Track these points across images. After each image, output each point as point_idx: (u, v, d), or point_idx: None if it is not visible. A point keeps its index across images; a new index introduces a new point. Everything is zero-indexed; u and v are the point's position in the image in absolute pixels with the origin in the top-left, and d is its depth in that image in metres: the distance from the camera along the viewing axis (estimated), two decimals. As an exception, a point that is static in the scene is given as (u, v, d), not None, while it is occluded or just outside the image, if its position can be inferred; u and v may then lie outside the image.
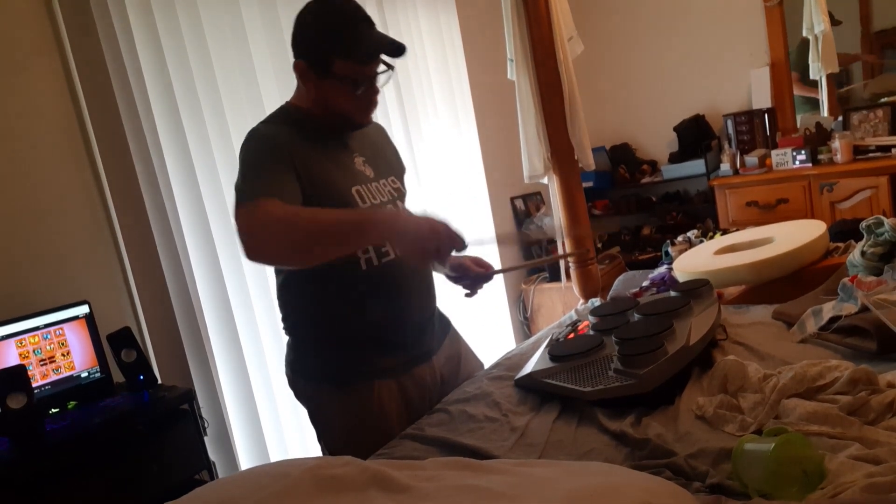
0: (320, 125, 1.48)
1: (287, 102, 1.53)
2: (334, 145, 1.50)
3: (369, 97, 1.46)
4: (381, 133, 1.69)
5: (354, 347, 1.50)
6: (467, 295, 1.59)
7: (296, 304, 1.54)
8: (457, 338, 1.76)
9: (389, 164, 1.62)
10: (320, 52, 1.40)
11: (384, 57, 1.42)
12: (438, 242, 1.24)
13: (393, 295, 1.50)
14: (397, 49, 1.41)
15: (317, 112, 1.48)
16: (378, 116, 1.59)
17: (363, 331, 1.50)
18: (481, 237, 1.46)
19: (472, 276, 1.57)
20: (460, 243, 1.28)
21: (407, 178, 1.69)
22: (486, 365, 1.83)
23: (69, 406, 1.83)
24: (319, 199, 1.38)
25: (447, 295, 1.75)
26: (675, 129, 3.98)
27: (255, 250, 1.27)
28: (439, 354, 1.65)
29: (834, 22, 3.53)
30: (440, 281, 1.68)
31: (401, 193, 1.60)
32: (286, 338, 1.61)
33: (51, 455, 1.60)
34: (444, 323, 1.71)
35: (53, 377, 1.86)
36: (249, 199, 1.28)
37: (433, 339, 1.63)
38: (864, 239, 1.77)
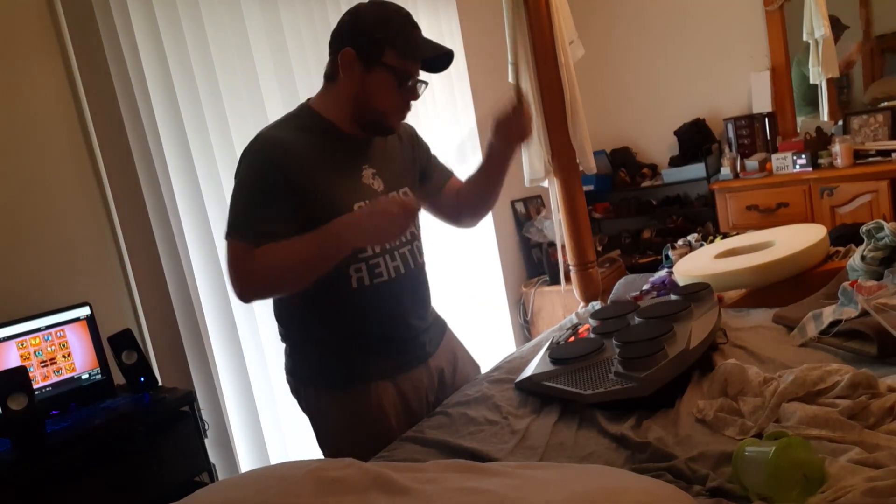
0: (339, 134, 1.48)
1: (307, 104, 1.51)
2: (344, 157, 1.49)
3: (406, 100, 1.47)
4: (400, 136, 1.64)
5: (350, 351, 1.51)
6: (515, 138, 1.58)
7: (290, 315, 1.55)
8: (453, 339, 1.76)
9: (402, 175, 1.59)
10: (374, 40, 1.40)
11: (423, 74, 1.47)
12: (393, 212, 1.31)
13: (385, 311, 1.50)
14: (446, 55, 1.46)
15: (341, 114, 1.47)
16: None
17: (357, 337, 1.51)
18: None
19: (512, 125, 1.56)
20: (412, 203, 1.35)
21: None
22: (483, 367, 1.83)
23: (70, 408, 1.83)
24: (320, 215, 1.38)
25: (447, 296, 1.75)
26: (676, 132, 3.98)
27: (248, 298, 1.43)
28: (436, 356, 1.65)
29: (841, 27, 3.53)
30: (435, 285, 1.69)
31: None
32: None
33: (51, 457, 1.60)
34: (440, 325, 1.72)
35: (54, 379, 1.86)
36: (240, 237, 1.36)
37: (429, 342, 1.63)
38: (865, 243, 1.78)
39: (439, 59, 1.48)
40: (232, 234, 1.38)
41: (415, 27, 1.45)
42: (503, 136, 1.57)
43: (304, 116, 1.49)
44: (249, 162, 1.41)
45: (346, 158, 1.49)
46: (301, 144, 1.42)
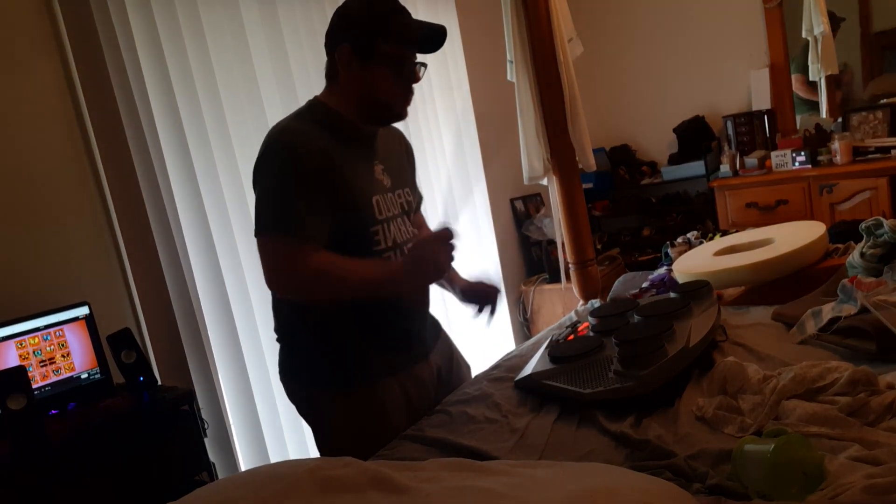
0: (351, 127, 1.49)
1: (316, 99, 1.52)
2: (360, 151, 1.51)
3: (408, 84, 1.49)
4: (400, 140, 1.70)
5: (353, 349, 1.50)
6: (478, 312, 1.68)
7: (293, 310, 1.54)
8: (447, 339, 1.77)
9: (403, 175, 1.63)
10: (367, 34, 1.42)
11: (419, 56, 1.49)
12: (431, 254, 1.34)
13: (396, 305, 1.51)
14: (438, 32, 1.48)
15: (349, 110, 1.48)
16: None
17: (362, 334, 1.51)
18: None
19: (482, 295, 1.66)
20: (447, 246, 1.36)
21: (419, 186, 1.71)
22: (482, 365, 1.83)
23: (69, 407, 1.83)
24: (345, 206, 1.41)
25: (446, 294, 1.76)
26: (675, 130, 3.98)
27: (288, 296, 1.44)
28: (434, 353, 1.65)
29: (836, 20, 3.52)
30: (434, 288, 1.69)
31: (410, 206, 1.61)
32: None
33: (51, 456, 1.60)
34: (435, 324, 1.73)
35: (53, 378, 1.85)
36: (285, 232, 1.34)
37: (429, 338, 1.64)
38: (864, 240, 1.78)
39: (433, 39, 1.49)
40: (275, 228, 1.36)
41: (403, 12, 1.46)
42: (470, 299, 1.67)
43: (318, 112, 1.49)
44: (283, 154, 1.39)
45: (361, 152, 1.51)
46: (324, 138, 1.42)
